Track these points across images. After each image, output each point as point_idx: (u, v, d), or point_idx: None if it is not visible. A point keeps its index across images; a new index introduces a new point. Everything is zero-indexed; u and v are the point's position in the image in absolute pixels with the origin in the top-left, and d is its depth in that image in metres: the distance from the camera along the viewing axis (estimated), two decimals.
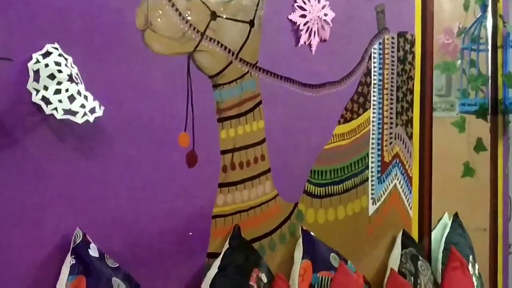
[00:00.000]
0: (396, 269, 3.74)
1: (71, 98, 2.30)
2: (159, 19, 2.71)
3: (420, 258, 3.93)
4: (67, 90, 2.30)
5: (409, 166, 4.13)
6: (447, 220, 4.36)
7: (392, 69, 3.96)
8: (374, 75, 3.83)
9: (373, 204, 3.82)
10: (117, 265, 2.48)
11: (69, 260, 2.34)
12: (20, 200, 2.28)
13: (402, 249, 3.88)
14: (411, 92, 4.13)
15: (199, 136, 2.85)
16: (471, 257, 4.28)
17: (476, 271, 4.30)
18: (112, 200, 2.54)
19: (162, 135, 2.72)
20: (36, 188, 2.32)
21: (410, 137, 4.14)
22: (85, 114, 2.33)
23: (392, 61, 3.96)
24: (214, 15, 2.90)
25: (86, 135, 2.44)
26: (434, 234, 4.30)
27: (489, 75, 4.80)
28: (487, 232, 4.91)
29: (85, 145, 2.45)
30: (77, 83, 2.34)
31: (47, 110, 2.27)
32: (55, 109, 2.28)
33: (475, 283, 4.16)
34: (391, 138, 3.97)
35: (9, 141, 2.26)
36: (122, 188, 2.58)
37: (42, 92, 2.27)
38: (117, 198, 2.56)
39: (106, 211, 2.52)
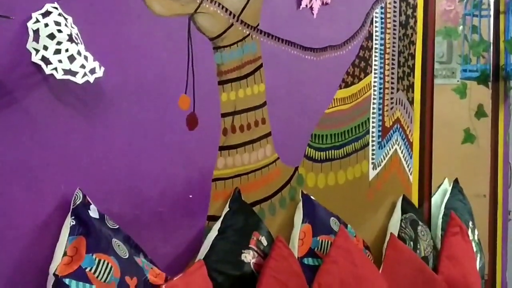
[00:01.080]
0: (396, 234, 3.75)
1: (71, 58, 2.28)
2: None
3: (420, 223, 3.94)
4: (67, 50, 2.28)
5: (410, 131, 4.12)
6: (447, 186, 4.37)
7: (394, 34, 3.94)
8: (376, 40, 3.81)
9: (373, 169, 3.82)
10: (117, 226, 2.48)
11: (69, 221, 2.33)
12: (20, 160, 2.26)
13: (402, 214, 3.89)
14: (413, 57, 4.12)
15: (200, 99, 2.84)
16: (470, 223, 4.29)
17: (476, 237, 4.32)
18: (112, 161, 2.53)
19: (162, 97, 2.70)
20: (35, 148, 2.30)
21: (411, 102, 4.13)
22: (85, 74, 2.32)
23: (394, 25, 3.94)
24: None
25: (86, 96, 2.43)
26: (434, 199, 4.31)
27: (491, 41, 4.79)
28: (487, 198, 4.92)
29: (85, 106, 2.44)
30: (77, 43, 2.32)
31: (47, 70, 2.25)
32: (55, 69, 2.26)
33: (475, 249, 4.18)
34: (392, 103, 3.96)
35: (9, 101, 2.24)
36: (122, 150, 2.57)
37: (42, 52, 2.25)
38: (117, 160, 2.55)
39: (106, 173, 2.51)
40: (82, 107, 2.43)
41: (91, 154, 2.46)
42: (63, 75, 2.27)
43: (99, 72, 2.37)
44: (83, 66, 2.31)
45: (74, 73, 2.29)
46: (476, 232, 4.34)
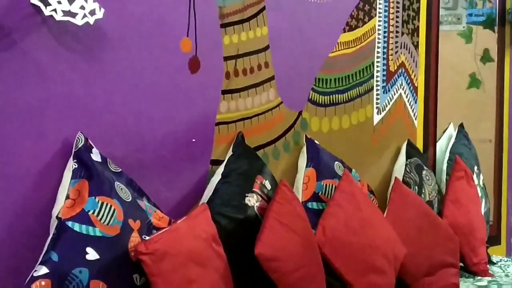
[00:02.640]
0: (401, 179, 3.73)
1: None
2: None
3: (425, 168, 3.93)
4: None
5: (414, 75, 4.09)
6: (452, 130, 4.34)
7: None
8: None
9: (378, 113, 3.80)
10: (120, 170, 2.47)
11: (71, 164, 2.32)
12: (20, 103, 2.25)
13: (406, 159, 3.87)
14: (418, 0, 4.06)
15: (202, 42, 2.81)
16: (476, 167, 4.27)
17: (481, 182, 4.30)
18: (114, 104, 2.51)
19: (163, 39, 2.68)
20: (36, 91, 2.28)
21: (416, 46, 4.09)
22: (84, 15, 2.29)
23: None
24: None
25: (86, 37, 2.40)
26: (439, 144, 4.29)
27: None
28: (493, 143, 4.90)
29: (85, 48, 2.41)
30: None
31: (46, 11, 2.23)
32: (54, 10, 2.23)
33: (480, 194, 4.16)
34: (396, 47, 3.92)
35: (8, 44, 2.22)
36: (124, 93, 2.55)
37: None
38: (118, 103, 2.53)
39: (107, 116, 2.49)
40: (83, 49, 2.40)
41: (93, 97, 2.45)
42: (62, 16, 2.25)
43: (99, 14, 2.34)
44: (82, 7, 2.29)
45: (73, 15, 2.27)
46: (481, 177, 4.33)
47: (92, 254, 2.22)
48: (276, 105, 3.18)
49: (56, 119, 2.34)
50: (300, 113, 3.31)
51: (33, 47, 2.27)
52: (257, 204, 2.83)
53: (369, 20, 3.70)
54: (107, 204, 2.31)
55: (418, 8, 4.07)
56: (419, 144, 4.15)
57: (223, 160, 2.89)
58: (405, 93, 4.01)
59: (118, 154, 2.51)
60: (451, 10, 4.79)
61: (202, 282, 2.38)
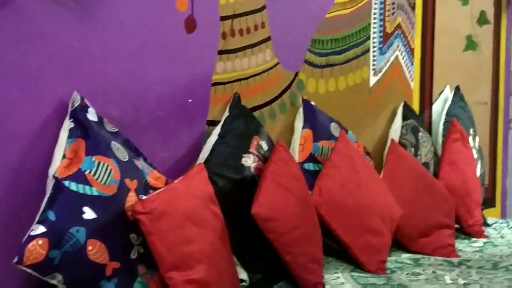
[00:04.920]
0: (397, 140, 3.73)
1: None
2: None
3: (421, 129, 3.92)
4: None
5: (411, 37, 4.07)
6: (448, 93, 4.33)
7: None
8: None
9: (374, 75, 3.79)
10: (116, 129, 2.45)
11: (68, 124, 2.31)
12: (16, 62, 2.23)
13: (403, 121, 3.87)
14: None
15: (198, 1, 2.79)
16: (471, 130, 4.27)
17: (477, 144, 4.30)
18: (110, 64, 2.49)
19: None
20: (33, 50, 2.26)
21: (413, 8, 4.06)
22: None
23: None
24: None
25: None
26: (435, 106, 4.29)
27: None
28: (488, 106, 4.90)
29: (82, 7, 2.39)
30: None
31: None
32: None
33: (475, 156, 4.16)
34: (393, 8, 3.90)
35: (5, 3, 2.20)
36: (120, 52, 2.53)
37: None
38: (115, 63, 2.51)
39: (103, 76, 2.48)
40: (79, 8, 2.38)
41: (88, 56, 2.43)
42: None
43: None
44: None
45: None
46: (477, 139, 4.33)
47: (89, 213, 2.21)
48: (273, 65, 3.17)
49: (52, 78, 2.32)
50: (296, 74, 3.30)
51: (30, 6, 2.25)
52: (253, 164, 2.83)
53: None
54: (103, 164, 2.30)
55: None
56: (415, 106, 4.14)
57: (220, 121, 2.88)
58: (401, 55, 3.99)
59: (114, 114, 2.50)
60: None
61: (199, 242, 2.38)
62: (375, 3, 3.75)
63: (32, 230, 2.11)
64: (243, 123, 2.91)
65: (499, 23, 4.90)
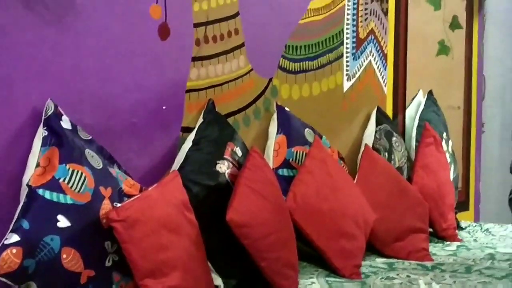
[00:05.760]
0: (371, 145, 3.76)
1: None
2: None
3: (395, 134, 3.95)
4: None
5: (384, 43, 4.10)
6: (421, 97, 4.37)
7: None
8: None
9: (347, 80, 3.81)
10: (90, 137, 2.45)
11: (41, 132, 2.31)
12: None
13: (376, 126, 3.89)
14: None
15: (171, 8, 2.79)
16: (444, 134, 4.30)
17: (450, 148, 4.33)
18: (83, 72, 2.49)
19: (133, 5, 2.65)
20: (4, 58, 2.26)
21: (386, 13, 4.09)
22: None
23: None
24: None
25: (56, 5, 2.37)
26: (409, 111, 4.32)
27: None
28: (461, 110, 4.94)
29: (54, 15, 2.38)
30: None
31: None
32: None
33: (449, 160, 4.20)
34: (366, 14, 3.92)
35: None
36: (93, 60, 2.53)
37: None
38: (88, 70, 2.51)
39: (77, 83, 2.47)
40: (52, 17, 2.38)
41: (62, 64, 2.42)
42: None
43: None
44: None
45: None
46: (450, 143, 4.36)
47: (63, 222, 2.21)
48: (247, 72, 3.18)
49: (25, 86, 2.32)
50: (270, 80, 3.31)
51: (1, 14, 2.24)
52: (228, 171, 2.83)
53: None
54: (77, 172, 2.30)
55: None
56: (389, 111, 4.17)
57: (194, 127, 2.89)
58: (374, 60, 4.02)
59: (88, 122, 2.50)
60: None
61: (174, 249, 2.38)
62: (348, 9, 3.77)
63: (6, 239, 2.10)
64: (217, 130, 2.92)
65: (471, 28, 4.94)
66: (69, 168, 2.28)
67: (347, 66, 3.79)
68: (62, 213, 2.22)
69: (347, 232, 3.14)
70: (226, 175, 2.82)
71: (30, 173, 2.25)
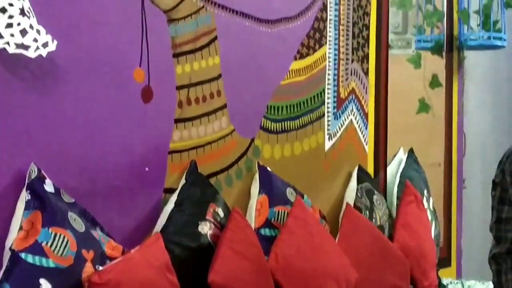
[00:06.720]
0: (352, 204, 3.78)
1: (23, 32, 2.27)
2: None
3: (376, 192, 3.98)
4: (19, 24, 2.26)
5: (365, 102, 4.15)
6: (402, 155, 4.41)
7: (348, 5, 3.96)
8: (330, 11, 3.82)
9: (329, 139, 3.85)
10: (73, 200, 2.48)
11: (25, 196, 2.33)
12: None
13: (358, 184, 3.92)
14: (367, 27, 4.14)
15: (155, 72, 2.84)
16: (425, 191, 4.34)
17: (431, 206, 4.37)
18: (67, 135, 2.52)
19: (116, 70, 2.70)
20: None
21: (366, 73, 4.15)
22: (37, 48, 2.30)
23: None
24: None
25: (39, 69, 2.41)
26: (390, 169, 4.35)
27: (445, 11, 4.83)
28: (442, 167, 4.98)
29: (39, 80, 2.42)
30: (29, 17, 2.30)
31: None
32: (7, 43, 2.24)
33: (430, 217, 4.23)
34: (347, 74, 3.98)
35: None
36: (77, 123, 2.56)
37: None
38: (72, 133, 2.54)
39: (60, 146, 2.50)
40: (36, 81, 2.42)
41: (46, 128, 2.46)
42: (15, 49, 2.26)
43: (52, 46, 2.36)
44: (35, 40, 2.30)
45: (26, 47, 2.29)
46: (431, 201, 4.40)
47: (45, 286, 2.22)
48: (229, 132, 3.22)
49: (8, 150, 2.35)
50: (252, 140, 3.35)
51: None
52: (210, 231, 2.86)
53: (319, 48, 3.75)
54: (60, 235, 2.32)
55: (368, 35, 4.14)
56: (370, 169, 4.20)
57: (177, 188, 2.92)
58: (355, 119, 4.07)
59: (72, 185, 2.52)
60: (400, 34, 4.88)
61: None
62: (329, 69, 3.83)
63: None
64: (199, 190, 2.94)
65: (451, 86, 5.01)
66: (52, 232, 2.31)
67: (328, 125, 3.83)
68: (45, 276, 2.24)
69: None
70: (208, 236, 2.84)
71: (13, 237, 2.27)
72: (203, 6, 3.05)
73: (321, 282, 3.15)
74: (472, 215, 5.29)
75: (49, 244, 2.28)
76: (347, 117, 3.99)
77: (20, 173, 2.36)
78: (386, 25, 4.31)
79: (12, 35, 2.25)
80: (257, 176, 3.30)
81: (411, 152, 4.44)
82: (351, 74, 4.02)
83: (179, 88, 2.97)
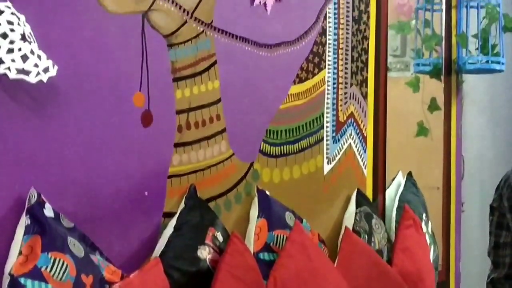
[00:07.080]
0: (351, 228, 3.79)
1: (24, 58, 2.28)
2: None
3: (374, 216, 3.98)
4: (20, 49, 2.27)
5: (363, 125, 4.16)
6: (401, 179, 4.41)
7: (347, 29, 3.98)
8: (329, 35, 3.84)
9: (328, 163, 3.85)
10: (73, 225, 2.48)
11: (24, 220, 2.33)
12: None
13: (356, 208, 3.92)
14: (366, 52, 4.16)
15: (154, 96, 2.85)
16: (424, 215, 4.34)
17: (429, 229, 4.37)
18: (67, 160, 2.53)
19: (116, 94, 2.71)
20: None
21: (365, 96, 4.17)
22: (38, 73, 2.31)
23: (347, 21, 3.97)
24: None
25: (40, 95, 2.42)
26: (388, 192, 4.36)
27: (443, 35, 4.85)
28: (440, 190, 4.99)
29: (39, 105, 2.43)
30: (30, 42, 2.31)
31: (0, 69, 2.25)
32: (8, 68, 2.25)
33: (428, 241, 4.23)
34: (346, 98, 3.99)
35: None
36: (77, 148, 2.57)
37: None
38: (71, 158, 2.55)
39: (60, 171, 2.51)
40: (36, 106, 2.43)
41: (46, 152, 2.46)
42: (16, 74, 2.27)
43: (53, 71, 2.37)
44: (36, 65, 2.31)
45: (27, 72, 2.29)
46: (430, 224, 4.40)
47: None
48: (228, 156, 3.22)
49: (9, 175, 2.35)
50: (251, 164, 3.36)
51: None
52: (209, 256, 2.86)
53: (319, 72, 3.77)
54: (59, 260, 2.32)
55: (367, 59, 4.16)
56: (369, 193, 4.21)
57: (176, 213, 2.92)
58: (354, 142, 4.08)
59: (71, 209, 2.53)
60: (399, 57, 4.89)
61: None
62: (328, 93, 3.84)
63: None
64: (198, 215, 2.95)
65: (449, 110, 5.03)
66: (51, 257, 2.31)
67: (327, 149, 3.84)
68: None
69: None
70: (207, 260, 2.84)
71: (12, 262, 2.27)
72: (202, 31, 3.07)
73: None
74: (471, 239, 5.28)
75: (48, 269, 2.28)
76: (346, 141, 4.00)
77: (20, 197, 2.37)
78: (385, 49, 4.33)
79: (13, 60, 2.26)
80: (256, 200, 3.31)
81: (409, 176, 4.45)
82: (350, 98, 4.03)
83: (178, 112, 2.98)
